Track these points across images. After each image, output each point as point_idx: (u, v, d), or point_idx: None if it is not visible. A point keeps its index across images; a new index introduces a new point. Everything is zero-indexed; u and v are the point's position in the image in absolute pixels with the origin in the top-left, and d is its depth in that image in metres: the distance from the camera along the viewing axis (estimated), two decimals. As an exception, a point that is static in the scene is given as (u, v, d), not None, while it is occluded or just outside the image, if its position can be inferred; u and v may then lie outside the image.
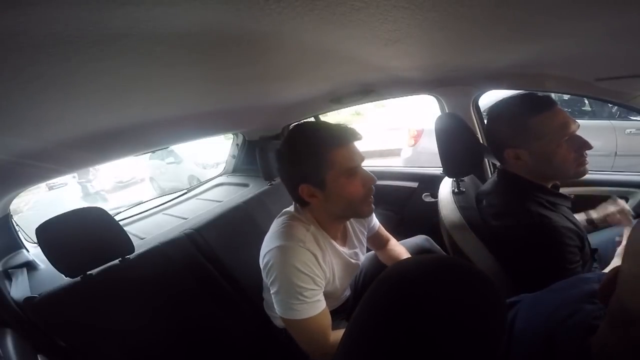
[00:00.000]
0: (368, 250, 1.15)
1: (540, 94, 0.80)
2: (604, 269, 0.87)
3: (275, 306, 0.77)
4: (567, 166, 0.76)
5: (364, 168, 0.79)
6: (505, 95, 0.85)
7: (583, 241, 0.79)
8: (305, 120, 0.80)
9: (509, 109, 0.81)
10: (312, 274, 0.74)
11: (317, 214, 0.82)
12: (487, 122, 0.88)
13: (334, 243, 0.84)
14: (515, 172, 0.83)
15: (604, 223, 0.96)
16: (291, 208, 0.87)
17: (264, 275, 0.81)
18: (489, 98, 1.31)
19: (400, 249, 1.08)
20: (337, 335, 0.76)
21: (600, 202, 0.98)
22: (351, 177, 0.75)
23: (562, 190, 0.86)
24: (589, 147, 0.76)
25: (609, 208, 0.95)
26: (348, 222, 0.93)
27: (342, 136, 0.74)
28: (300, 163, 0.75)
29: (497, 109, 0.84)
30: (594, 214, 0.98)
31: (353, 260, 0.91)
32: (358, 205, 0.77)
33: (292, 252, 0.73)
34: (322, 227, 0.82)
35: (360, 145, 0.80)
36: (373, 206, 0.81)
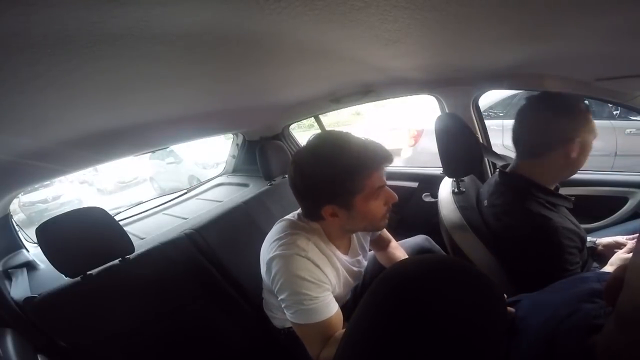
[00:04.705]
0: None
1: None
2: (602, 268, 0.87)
3: (285, 311, 0.76)
4: (579, 167, 0.81)
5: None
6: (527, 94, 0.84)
7: (583, 242, 0.79)
8: (334, 135, 0.75)
9: (568, 102, 0.82)
10: (317, 280, 0.74)
11: (328, 228, 0.81)
12: (535, 116, 0.82)
13: (337, 252, 0.84)
14: (521, 173, 0.82)
15: None
16: (293, 215, 0.86)
17: (268, 280, 0.80)
18: (489, 98, 1.31)
19: (400, 252, 1.08)
20: (337, 337, 0.75)
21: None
22: (377, 197, 0.75)
23: (562, 190, 0.86)
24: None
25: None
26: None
27: (377, 159, 0.73)
28: (332, 185, 0.71)
29: (553, 101, 0.83)
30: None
31: (355, 268, 0.91)
32: (378, 222, 0.79)
33: (295, 262, 0.73)
34: (329, 239, 0.82)
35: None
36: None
